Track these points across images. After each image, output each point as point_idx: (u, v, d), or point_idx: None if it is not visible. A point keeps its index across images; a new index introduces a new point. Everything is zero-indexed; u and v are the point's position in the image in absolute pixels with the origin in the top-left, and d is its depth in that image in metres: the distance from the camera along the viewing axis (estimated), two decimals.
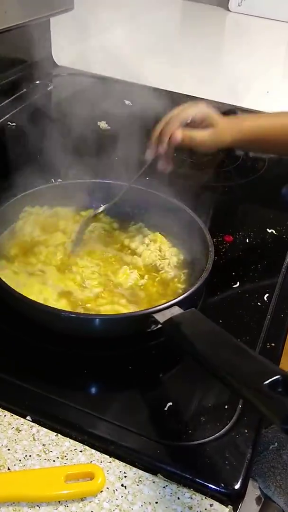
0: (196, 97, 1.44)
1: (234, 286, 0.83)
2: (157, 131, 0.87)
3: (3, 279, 0.70)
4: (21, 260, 0.80)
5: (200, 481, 0.57)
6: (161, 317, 0.65)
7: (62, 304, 0.73)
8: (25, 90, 1.31)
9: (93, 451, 0.59)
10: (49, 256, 0.81)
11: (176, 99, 1.40)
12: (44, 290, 0.75)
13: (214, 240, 0.91)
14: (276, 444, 0.75)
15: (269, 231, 0.96)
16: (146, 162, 0.87)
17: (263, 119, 0.95)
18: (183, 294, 0.70)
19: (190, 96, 1.44)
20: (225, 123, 0.88)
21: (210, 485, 0.57)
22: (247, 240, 0.93)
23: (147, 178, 0.94)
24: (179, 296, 0.69)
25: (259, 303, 0.80)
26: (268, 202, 1.06)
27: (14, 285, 0.69)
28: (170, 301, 0.68)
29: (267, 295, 0.81)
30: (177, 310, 0.66)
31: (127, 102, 1.37)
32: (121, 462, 0.59)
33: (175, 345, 0.67)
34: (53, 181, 0.98)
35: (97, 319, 0.69)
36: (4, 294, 0.70)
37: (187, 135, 0.85)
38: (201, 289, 0.74)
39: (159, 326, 0.66)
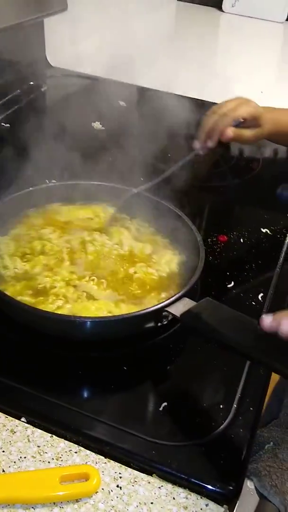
0: (189, 97, 1.44)
1: (229, 285, 0.83)
2: (208, 125, 0.89)
3: None
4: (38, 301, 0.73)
5: (196, 481, 0.57)
6: (175, 310, 0.66)
7: (124, 307, 0.72)
8: (19, 91, 1.31)
9: (88, 452, 0.59)
10: (58, 282, 0.76)
11: (170, 100, 1.41)
12: (103, 304, 0.73)
13: (209, 240, 0.91)
14: (271, 443, 0.75)
15: (264, 230, 0.96)
16: (194, 152, 0.91)
17: None
18: (187, 285, 0.70)
19: (184, 96, 1.44)
20: (267, 119, 0.92)
21: (205, 485, 0.56)
22: (242, 240, 0.93)
23: (142, 179, 0.94)
24: (184, 288, 0.69)
25: (253, 303, 0.80)
26: (262, 202, 1.06)
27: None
28: (177, 293, 0.68)
29: (261, 294, 0.81)
30: (189, 301, 0.67)
31: (121, 103, 1.37)
32: (116, 463, 0.58)
33: (196, 335, 0.68)
34: (47, 182, 0.98)
35: (113, 320, 0.68)
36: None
37: (236, 133, 0.89)
38: (197, 283, 0.74)
39: (170, 319, 0.67)
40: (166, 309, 0.66)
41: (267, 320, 0.56)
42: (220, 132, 0.88)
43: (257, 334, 0.60)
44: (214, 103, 1.38)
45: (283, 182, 1.10)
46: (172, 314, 0.66)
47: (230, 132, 0.88)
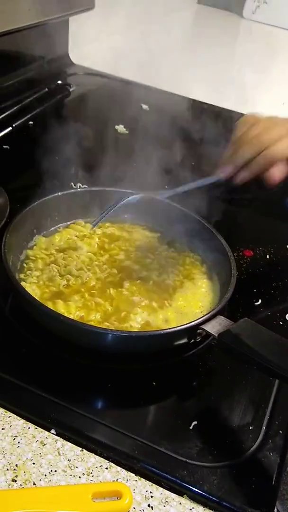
0: (210, 104, 1.44)
1: (256, 303, 0.82)
2: (244, 157, 0.77)
3: None
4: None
5: (227, 504, 0.56)
6: (211, 328, 0.65)
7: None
8: (46, 90, 1.30)
9: (118, 468, 0.58)
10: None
11: (191, 105, 1.41)
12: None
13: (234, 254, 0.90)
14: None
15: None
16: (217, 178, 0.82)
17: None
18: (220, 303, 0.69)
19: (204, 102, 1.44)
20: None
21: (237, 510, 0.56)
22: (268, 256, 0.92)
23: (166, 187, 0.93)
24: (217, 305, 0.69)
25: (281, 323, 0.79)
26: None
27: None
28: (213, 310, 0.68)
29: None
30: (225, 320, 0.66)
31: (144, 106, 1.36)
32: (147, 481, 0.58)
33: (233, 355, 0.66)
34: (73, 186, 0.97)
35: (148, 336, 0.67)
36: (32, 309, 0.69)
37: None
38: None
39: (203, 335, 0.67)
40: (201, 326, 0.66)
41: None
42: (261, 169, 0.76)
43: None
44: (233, 111, 1.40)
45: None
46: (209, 333, 0.65)
47: (278, 174, 0.74)
